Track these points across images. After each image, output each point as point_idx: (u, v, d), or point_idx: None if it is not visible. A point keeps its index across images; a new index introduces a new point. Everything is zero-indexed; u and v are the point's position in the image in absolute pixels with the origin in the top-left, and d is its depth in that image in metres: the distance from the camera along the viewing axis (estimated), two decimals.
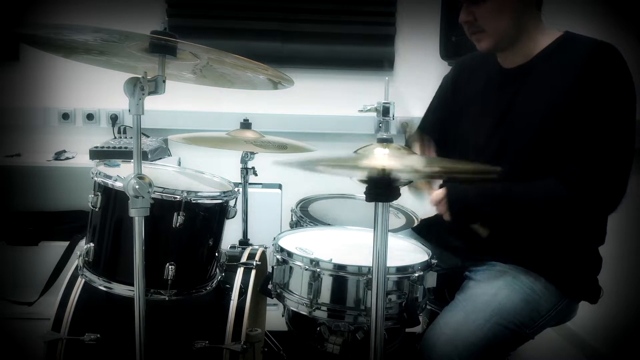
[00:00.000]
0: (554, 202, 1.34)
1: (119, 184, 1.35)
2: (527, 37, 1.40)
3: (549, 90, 1.36)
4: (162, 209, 1.36)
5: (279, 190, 2.61)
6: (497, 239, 1.41)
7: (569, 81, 1.32)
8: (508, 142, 1.43)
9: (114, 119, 2.82)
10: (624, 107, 1.29)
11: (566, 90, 1.32)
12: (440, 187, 1.45)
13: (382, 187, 1.06)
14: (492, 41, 1.39)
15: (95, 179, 1.41)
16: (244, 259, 1.69)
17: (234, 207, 1.55)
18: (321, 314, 1.27)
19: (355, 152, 1.17)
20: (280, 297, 1.35)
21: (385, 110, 1.17)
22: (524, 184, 1.36)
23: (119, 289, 1.39)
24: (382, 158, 1.09)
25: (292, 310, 1.38)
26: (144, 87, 1.14)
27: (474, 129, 1.53)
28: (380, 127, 1.19)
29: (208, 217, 1.48)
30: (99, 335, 1.43)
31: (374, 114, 1.21)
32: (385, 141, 1.15)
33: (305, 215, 1.77)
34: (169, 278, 1.38)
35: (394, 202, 1.69)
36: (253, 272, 1.63)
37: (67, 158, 2.60)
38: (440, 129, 1.65)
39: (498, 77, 1.49)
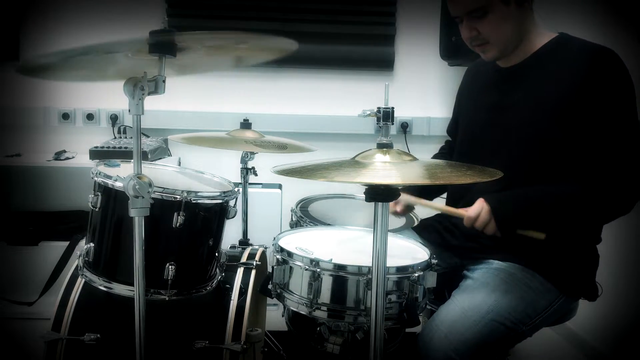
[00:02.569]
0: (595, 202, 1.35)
1: (119, 184, 1.35)
2: (527, 40, 1.43)
3: (544, 89, 1.39)
4: (162, 209, 1.36)
5: (279, 190, 2.61)
6: (495, 237, 1.41)
7: (569, 84, 1.34)
8: (504, 139, 1.45)
9: (114, 119, 2.82)
10: (632, 109, 1.33)
11: (565, 92, 1.35)
12: (462, 202, 1.42)
13: (381, 188, 1.07)
14: (497, 50, 1.43)
15: (95, 179, 1.41)
16: (244, 259, 1.69)
17: (234, 207, 1.55)
18: (321, 314, 1.27)
19: (353, 158, 1.16)
20: (280, 297, 1.34)
21: (385, 115, 1.16)
22: (559, 184, 1.37)
23: (119, 289, 1.39)
24: (383, 171, 1.09)
25: (292, 310, 1.38)
26: (144, 87, 1.14)
27: (472, 127, 1.59)
28: (380, 127, 1.18)
29: (208, 217, 1.48)
30: (99, 335, 1.43)
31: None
32: (385, 146, 1.15)
33: (305, 215, 1.77)
34: (169, 278, 1.38)
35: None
36: (253, 272, 1.63)
37: (67, 158, 2.60)
38: (453, 132, 1.75)
39: (495, 77, 1.52)
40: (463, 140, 1.63)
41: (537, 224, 1.35)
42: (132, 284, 1.21)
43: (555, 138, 1.37)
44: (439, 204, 1.51)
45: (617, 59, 1.33)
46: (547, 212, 1.36)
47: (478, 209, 1.34)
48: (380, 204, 1.08)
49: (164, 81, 1.17)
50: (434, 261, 1.34)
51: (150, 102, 1.18)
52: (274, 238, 1.43)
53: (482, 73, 1.60)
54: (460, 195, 1.58)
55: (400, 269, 1.27)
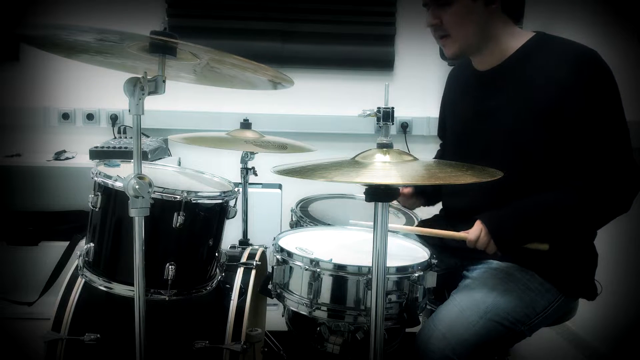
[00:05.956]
0: (589, 208, 1.34)
1: (119, 184, 1.35)
2: (496, 42, 1.41)
3: (525, 94, 1.37)
4: (162, 209, 1.36)
5: (279, 190, 2.61)
6: None
7: (551, 89, 1.32)
8: (487, 148, 1.44)
9: (114, 119, 2.82)
10: (618, 108, 1.32)
11: (547, 97, 1.33)
12: (463, 221, 1.42)
13: (381, 188, 1.07)
14: (457, 46, 1.41)
15: (95, 179, 1.41)
16: (244, 259, 1.69)
17: (234, 207, 1.55)
18: (321, 314, 1.27)
19: (353, 158, 1.16)
20: (280, 297, 1.35)
21: (385, 115, 1.16)
22: (554, 193, 1.36)
23: (119, 289, 1.39)
24: (383, 171, 1.09)
25: (292, 310, 1.38)
26: (144, 87, 1.14)
27: (456, 135, 1.59)
28: (380, 127, 1.18)
29: (208, 217, 1.48)
30: (99, 335, 1.43)
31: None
32: (385, 146, 1.14)
33: (305, 215, 1.77)
34: (169, 278, 1.38)
35: (394, 202, 1.71)
36: (253, 272, 1.63)
37: (67, 158, 2.60)
38: (442, 136, 1.76)
39: (473, 81, 1.51)
40: (450, 147, 1.63)
41: (538, 239, 1.36)
42: (132, 284, 1.21)
43: (540, 144, 1.36)
44: (440, 230, 1.49)
45: (599, 60, 1.31)
46: (546, 228, 1.36)
47: (477, 231, 1.35)
48: (380, 204, 1.08)
49: (164, 81, 1.17)
50: (434, 261, 1.34)
51: (150, 102, 1.18)
52: (274, 238, 1.43)
53: (461, 78, 1.59)
54: (457, 198, 1.58)
55: (400, 269, 1.27)
